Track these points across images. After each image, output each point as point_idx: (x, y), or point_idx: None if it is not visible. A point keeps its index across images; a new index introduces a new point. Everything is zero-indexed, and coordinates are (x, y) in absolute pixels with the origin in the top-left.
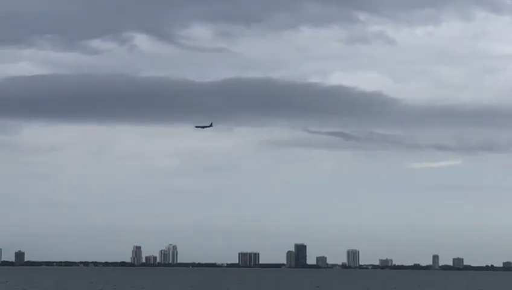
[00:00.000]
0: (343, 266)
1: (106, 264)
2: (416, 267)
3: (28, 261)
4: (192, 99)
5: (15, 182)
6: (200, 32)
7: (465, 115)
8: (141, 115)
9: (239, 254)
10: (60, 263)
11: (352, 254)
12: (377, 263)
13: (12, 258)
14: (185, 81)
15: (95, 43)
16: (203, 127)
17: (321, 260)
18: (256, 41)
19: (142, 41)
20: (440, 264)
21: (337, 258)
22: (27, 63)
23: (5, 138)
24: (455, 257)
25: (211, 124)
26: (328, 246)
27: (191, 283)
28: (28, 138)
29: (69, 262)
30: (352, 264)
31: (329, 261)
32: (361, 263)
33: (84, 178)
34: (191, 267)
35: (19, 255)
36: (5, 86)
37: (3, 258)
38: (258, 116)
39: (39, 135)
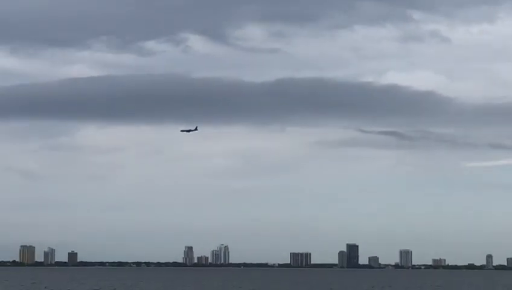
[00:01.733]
0: (396, 266)
1: (158, 264)
2: (470, 267)
3: (81, 262)
4: (246, 100)
5: (71, 183)
6: (254, 33)
7: None
8: (196, 115)
9: (291, 254)
10: (112, 264)
11: (405, 254)
12: (430, 262)
13: (65, 259)
14: (238, 81)
15: (150, 44)
16: (188, 131)
17: (373, 260)
18: (310, 41)
19: (196, 42)
20: (494, 264)
21: (389, 258)
22: (83, 65)
23: (62, 139)
24: (509, 256)
25: (196, 127)
26: (380, 246)
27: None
28: (85, 139)
29: (122, 262)
30: (405, 264)
31: (382, 261)
32: (414, 263)
33: (139, 179)
34: (242, 267)
35: (72, 255)
36: (61, 87)
37: (57, 259)
38: (311, 116)
39: (95, 136)
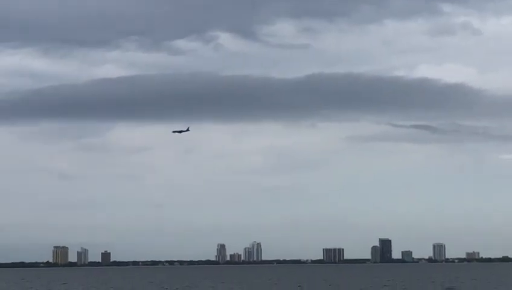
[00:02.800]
0: (429, 260)
1: (191, 262)
2: (505, 259)
3: (114, 261)
4: (276, 97)
5: (103, 183)
6: (284, 29)
7: None
8: (226, 113)
9: (323, 250)
10: (145, 263)
11: (438, 248)
12: (463, 256)
13: (98, 259)
14: (268, 78)
15: (180, 43)
16: (180, 131)
17: (406, 254)
18: (341, 36)
19: (226, 40)
20: None
21: (422, 252)
22: (113, 65)
23: (93, 140)
24: None
25: (188, 128)
26: (413, 240)
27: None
28: (116, 139)
29: (155, 261)
30: (438, 258)
31: (415, 256)
32: (447, 256)
33: (171, 178)
34: (275, 264)
35: (105, 255)
36: (92, 88)
37: (90, 259)
38: (342, 111)
39: (127, 135)
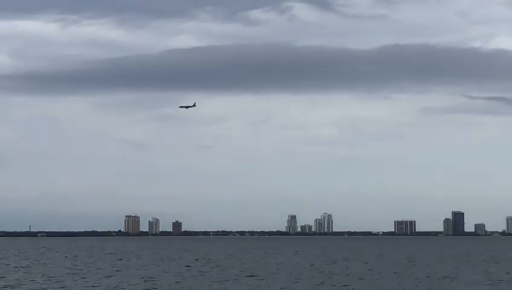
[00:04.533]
0: (503, 233)
1: (262, 233)
2: None
3: (185, 231)
4: (351, 68)
5: (175, 153)
6: (360, 0)
7: None
8: (300, 84)
9: (395, 222)
10: (216, 233)
11: None
12: None
13: (169, 228)
14: (343, 49)
15: (255, 14)
16: (187, 107)
17: (479, 227)
18: (417, 6)
19: (301, 10)
20: None
21: (496, 225)
22: (188, 35)
23: (168, 110)
24: None
25: (194, 104)
26: (486, 213)
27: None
28: (190, 109)
29: (226, 231)
30: (511, 231)
31: (488, 229)
32: None
33: (244, 148)
34: (346, 235)
35: (176, 225)
36: (167, 58)
37: (161, 228)
38: (416, 82)
39: (201, 106)
